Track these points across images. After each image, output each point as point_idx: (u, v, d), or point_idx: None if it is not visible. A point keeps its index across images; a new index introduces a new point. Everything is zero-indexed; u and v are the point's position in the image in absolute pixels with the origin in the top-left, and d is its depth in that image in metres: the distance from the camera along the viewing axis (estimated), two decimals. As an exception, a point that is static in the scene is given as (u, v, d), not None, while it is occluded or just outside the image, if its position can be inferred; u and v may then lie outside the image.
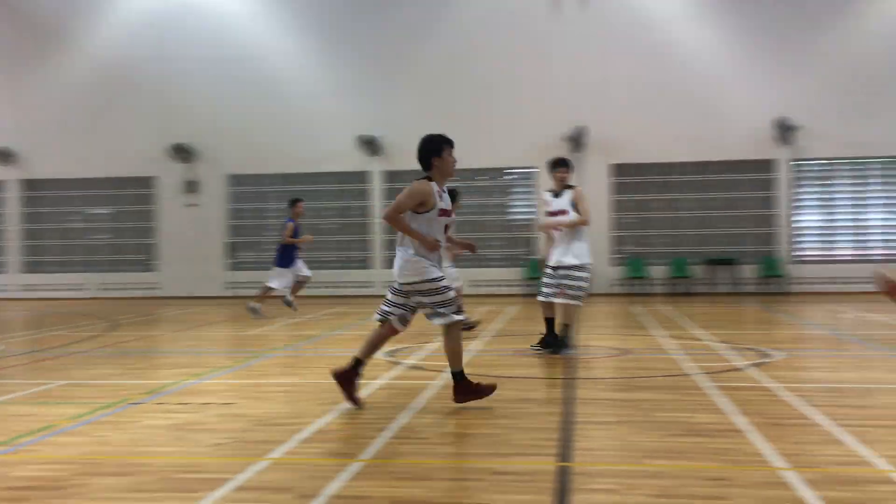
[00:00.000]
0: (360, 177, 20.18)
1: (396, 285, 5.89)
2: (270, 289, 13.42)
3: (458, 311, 5.84)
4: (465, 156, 20.75)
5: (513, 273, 19.46)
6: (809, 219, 18.98)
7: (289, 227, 13.30)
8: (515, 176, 20.12)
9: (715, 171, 18.94)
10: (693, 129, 18.68)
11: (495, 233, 19.96)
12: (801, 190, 18.97)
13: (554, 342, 8.53)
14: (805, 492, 3.79)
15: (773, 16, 18.70)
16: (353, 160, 19.97)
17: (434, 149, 5.82)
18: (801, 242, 18.95)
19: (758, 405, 5.78)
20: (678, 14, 19.05)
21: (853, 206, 18.86)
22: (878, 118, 18.23)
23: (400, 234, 5.84)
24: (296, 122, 20.22)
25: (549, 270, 8.62)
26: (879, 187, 18.77)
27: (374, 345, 5.93)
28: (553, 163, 8.74)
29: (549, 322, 8.61)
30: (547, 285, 8.58)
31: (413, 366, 7.96)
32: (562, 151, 19.29)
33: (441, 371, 7.50)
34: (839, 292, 18.05)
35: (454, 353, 5.85)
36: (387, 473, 4.26)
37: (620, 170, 19.21)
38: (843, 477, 4.03)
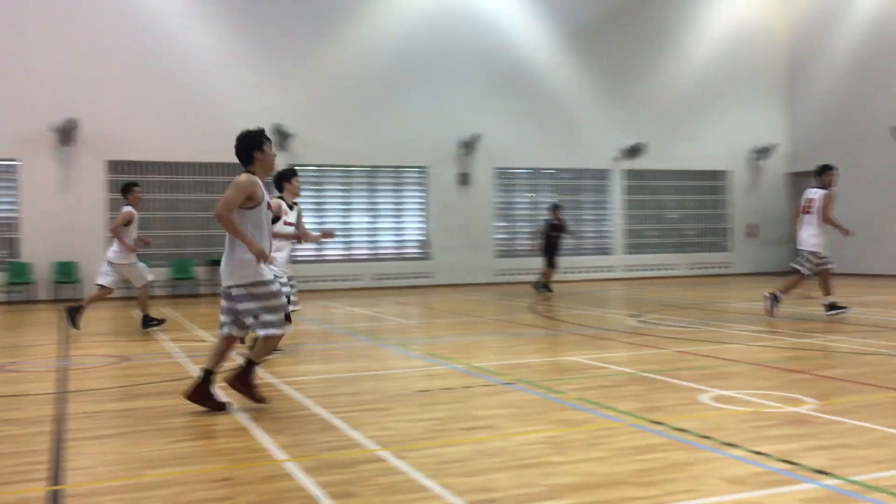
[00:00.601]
0: None
1: (224, 290, 5.62)
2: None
3: (283, 323, 5.60)
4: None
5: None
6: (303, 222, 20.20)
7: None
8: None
9: (218, 172, 18.99)
10: (195, 129, 18.56)
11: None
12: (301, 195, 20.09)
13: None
14: (304, 480, 4.00)
15: (270, 24, 19.39)
16: None
17: (255, 143, 5.70)
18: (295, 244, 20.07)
19: (260, 401, 5.96)
20: (178, 10, 18.70)
21: (342, 209, 20.62)
22: (361, 129, 20.17)
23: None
24: None
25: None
26: (363, 193, 20.82)
27: (219, 355, 5.69)
28: (292, 172, 8.42)
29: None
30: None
31: None
32: (50, 143, 17.60)
33: None
34: (330, 289, 19.62)
35: (258, 354, 5.67)
36: None
37: (118, 167, 18.21)
38: (338, 461, 4.36)
